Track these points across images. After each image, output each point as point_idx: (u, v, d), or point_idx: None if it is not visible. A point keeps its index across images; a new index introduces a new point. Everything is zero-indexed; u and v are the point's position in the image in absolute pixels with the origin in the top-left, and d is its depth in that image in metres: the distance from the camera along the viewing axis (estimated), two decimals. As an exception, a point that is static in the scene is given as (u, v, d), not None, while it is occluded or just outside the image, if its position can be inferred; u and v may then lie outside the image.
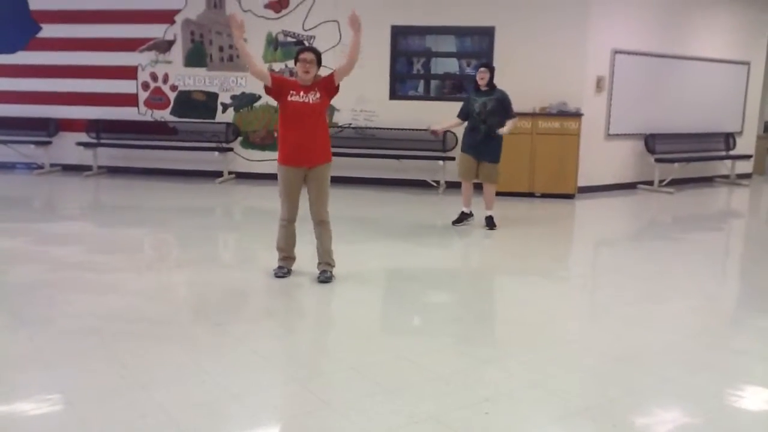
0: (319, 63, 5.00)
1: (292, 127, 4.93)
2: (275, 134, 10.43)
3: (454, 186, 9.81)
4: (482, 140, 6.90)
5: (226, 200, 9.21)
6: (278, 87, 4.99)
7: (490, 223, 7.16)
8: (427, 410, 3.06)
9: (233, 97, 10.52)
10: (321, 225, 5.16)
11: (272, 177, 10.29)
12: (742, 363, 3.79)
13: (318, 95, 4.96)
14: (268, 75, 5.04)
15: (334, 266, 5.21)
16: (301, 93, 4.93)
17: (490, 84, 6.95)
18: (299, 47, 5.09)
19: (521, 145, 9.28)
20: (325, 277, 5.10)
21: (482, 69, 6.98)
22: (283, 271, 5.22)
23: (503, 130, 6.85)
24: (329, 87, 5.04)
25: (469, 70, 10.15)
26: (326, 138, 5.11)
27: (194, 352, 3.72)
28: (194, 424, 2.92)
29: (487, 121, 6.84)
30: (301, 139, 4.93)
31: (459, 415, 3.03)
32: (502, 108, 6.90)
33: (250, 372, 3.48)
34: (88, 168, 10.80)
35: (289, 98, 4.92)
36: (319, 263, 5.21)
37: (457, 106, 9.88)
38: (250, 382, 3.35)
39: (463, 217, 7.31)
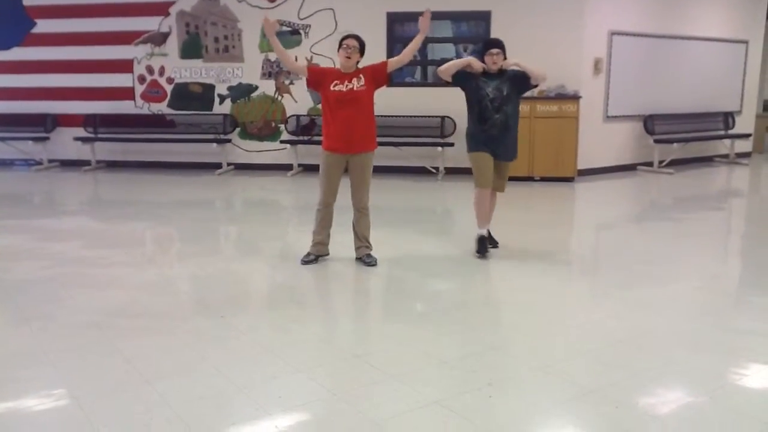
0: (362, 51, 5.03)
1: (335, 115, 4.95)
2: (273, 124, 10.42)
3: (453, 172, 9.81)
4: (498, 133, 5.44)
5: (225, 192, 9.20)
6: (317, 78, 5.05)
7: (491, 239, 5.79)
8: (430, 395, 3.07)
9: (230, 88, 10.50)
10: (361, 212, 5.22)
11: (271, 167, 10.36)
12: (745, 341, 3.78)
13: (363, 82, 4.98)
14: (304, 68, 5.18)
15: (371, 249, 5.31)
16: (345, 81, 4.95)
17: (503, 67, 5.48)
18: (343, 34, 5.10)
19: (520, 129, 9.20)
20: (371, 260, 5.21)
21: (495, 50, 5.39)
22: (310, 257, 5.23)
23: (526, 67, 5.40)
24: (378, 76, 5.05)
25: (466, 55, 10.10)
26: (371, 125, 5.13)
27: (198, 345, 3.72)
28: (199, 416, 2.92)
29: (503, 108, 5.38)
30: (345, 127, 4.96)
31: (462, 400, 3.03)
32: (518, 85, 5.46)
33: (255, 363, 3.49)
34: (86, 163, 10.80)
35: (331, 88, 4.94)
36: (360, 248, 5.27)
37: (455, 92, 9.88)
38: (254, 373, 3.36)
39: (485, 242, 5.61)
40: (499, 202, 5.89)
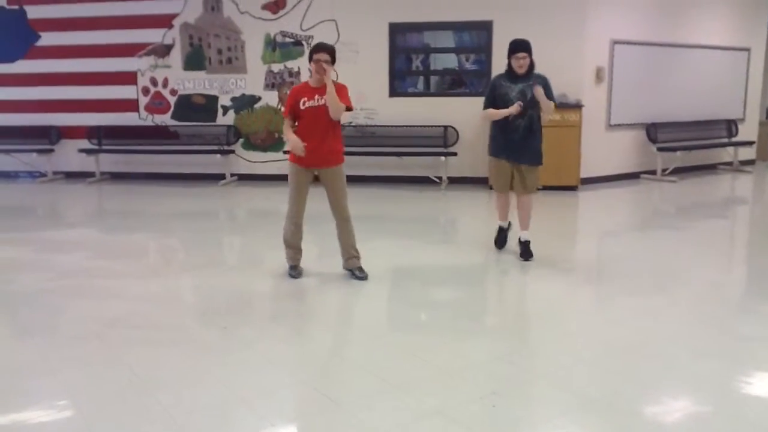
0: (333, 60, 4.90)
1: (306, 131, 4.91)
2: (276, 135, 10.45)
3: (456, 182, 9.82)
4: (520, 138, 5.50)
5: (229, 203, 9.22)
6: (294, 110, 4.93)
7: (525, 251, 5.67)
8: (434, 405, 3.06)
9: (233, 99, 10.52)
10: (344, 222, 5.16)
11: (275, 178, 10.35)
12: (749, 349, 3.77)
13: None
14: (290, 122, 4.98)
15: (360, 258, 5.24)
16: (316, 96, 4.87)
17: (529, 69, 5.52)
18: (314, 47, 4.92)
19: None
20: (362, 274, 5.15)
21: (521, 54, 5.40)
22: (297, 270, 5.22)
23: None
24: (343, 101, 4.92)
25: (468, 65, 10.14)
26: (338, 140, 5.10)
27: (201, 356, 3.72)
28: (202, 427, 2.92)
29: (527, 113, 5.45)
30: (314, 143, 4.90)
31: (466, 409, 3.02)
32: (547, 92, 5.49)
33: (257, 374, 3.48)
34: (90, 174, 10.82)
35: (302, 106, 4.88)
36: (349, 259, 5.21)
37: (458, 102, 9.88)
38: (257, 384, 3.35)
39: (504, 233, 6.01)
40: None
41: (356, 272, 5.18)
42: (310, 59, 4.92)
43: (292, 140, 4.86)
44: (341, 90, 4.96)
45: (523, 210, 5.72)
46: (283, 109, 5.02)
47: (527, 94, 5.39)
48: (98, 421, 2.98)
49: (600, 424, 2.93)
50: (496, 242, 6.01)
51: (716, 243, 6.68)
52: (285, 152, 10.27)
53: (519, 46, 5.43)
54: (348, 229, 5.18)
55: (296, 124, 5.04)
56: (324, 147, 4.97)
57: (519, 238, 5.75)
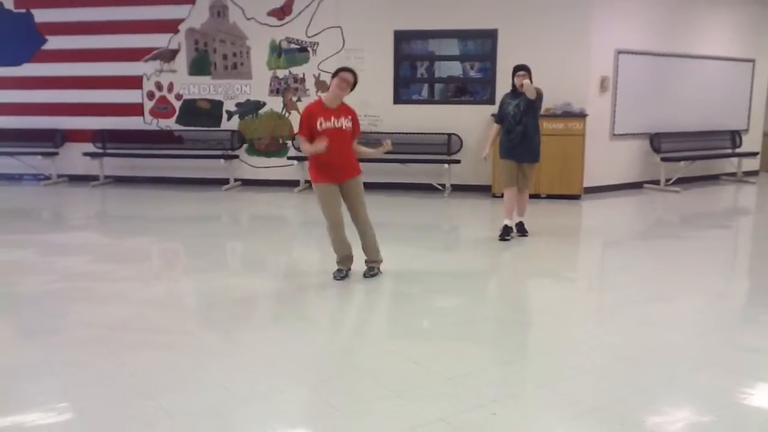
0: (353, 88, 5.14)
1: (325, 151, 4.99)
2: (281, 141, 10.47)
3: (459, 189, 9.83)
4: (520, 141, 6.68)
5: (232, 207, 9.23)
6: (310, 129, 5.06)
7: (522, 229, 6.94)
8: (435, 412, 3.06)
9: (238, 105, 10.55)
10: (368, 228, 5.37)
11: (278, 183, 10.39)
12: (752, 360, 3.76)
13: (350, 124, 5.15)
14: (306, 137, 5.10)
15: (381, 262, 5.45)
16: (332, 119, 5.05)
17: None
18: (342, 67, 5.22)
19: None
20: (372, 273, 5.37)
21: (521, 72, 6.59)
22: (342, 274, 5.32)
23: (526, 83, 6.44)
24: (356, 129, 5.27)
25: (472, 73, 10.16)
26: (353, 154, 5.32)
27: (202, 360, 3.72)
28: (202, 431, 2.92)
29: (522, 121, 6.62)
30: (334, 161, 5.08)
31: (467, 417, 3.02)
32: (531, 101, 6.57)
33: (258, 378, 3.49)
34: (94, 178, 10.85)
35: (319, 127, 5.01)
36: (368, 261, 5.41)
37: (462, 109, 9.92)
38: (258, 388, 3.36)
39: (509, 231, 6.83)
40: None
41: (367, 273, 5.38)
42: (334, 75, 5.12)
43: (315, 144, 4.95)
44: (354, 117, 5.23)
45: (521, 200, 6.94)
46: (298, 126, 5.26)
47: (521, 107, 6.61)
48: (99, 424, 2.98)
49: (601, 433, 2.93)
50: (500, 236, 6.76)
51: (720, 253, 6.66)
52: (289, 158, 10.32)
53: (519, 67, 6.67)
54: (372, 234, 5.40)
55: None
56: (345, 162, 5.17)
57: (516, 222, 6.93)
